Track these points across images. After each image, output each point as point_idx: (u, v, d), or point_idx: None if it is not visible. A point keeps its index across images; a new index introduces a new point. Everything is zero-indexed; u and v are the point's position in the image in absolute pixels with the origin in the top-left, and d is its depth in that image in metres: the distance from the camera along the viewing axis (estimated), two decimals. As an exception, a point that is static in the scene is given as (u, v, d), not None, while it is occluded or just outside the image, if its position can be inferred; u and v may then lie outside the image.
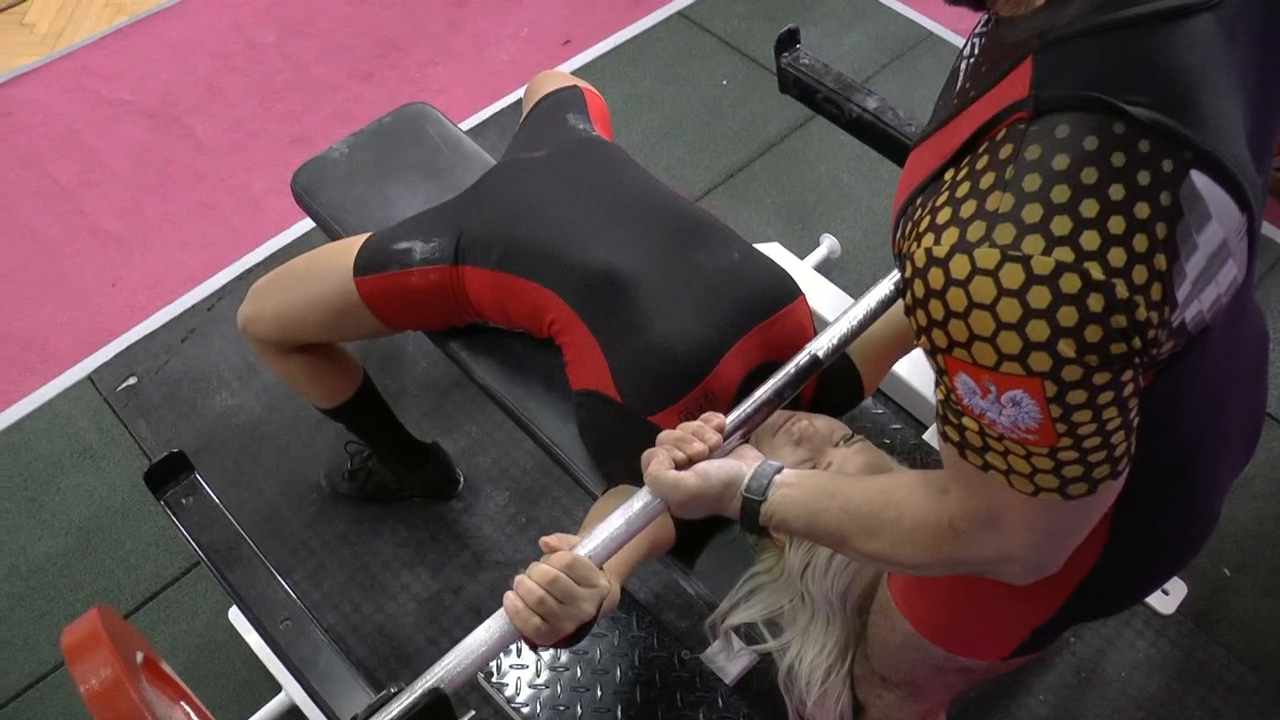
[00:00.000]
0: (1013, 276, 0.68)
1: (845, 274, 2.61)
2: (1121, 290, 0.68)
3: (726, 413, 1.47)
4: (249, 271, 2.68)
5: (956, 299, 0.71)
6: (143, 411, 2.42)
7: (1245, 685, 2.00)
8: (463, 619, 2.10)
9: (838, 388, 1.59)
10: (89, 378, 2.49)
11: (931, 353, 0.77)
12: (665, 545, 1.48)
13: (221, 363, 2.50)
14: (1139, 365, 0.73)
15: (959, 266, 0.70)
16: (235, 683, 2.04)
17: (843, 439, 1.44)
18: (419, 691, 1.07)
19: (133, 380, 2.48)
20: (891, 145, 1.93)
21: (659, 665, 1.83)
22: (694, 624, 2.05)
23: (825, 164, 2.86)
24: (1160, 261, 0.69)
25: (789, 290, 1.54)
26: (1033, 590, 1.06)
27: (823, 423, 1.46)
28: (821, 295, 2.35)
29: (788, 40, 2.03)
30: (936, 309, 0.73)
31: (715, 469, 1.11)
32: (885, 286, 1.32)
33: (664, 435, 1.15)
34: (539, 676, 1.83)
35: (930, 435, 2.11)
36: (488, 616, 2.06)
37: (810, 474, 1.11)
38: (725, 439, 1.16)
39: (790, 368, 1.24)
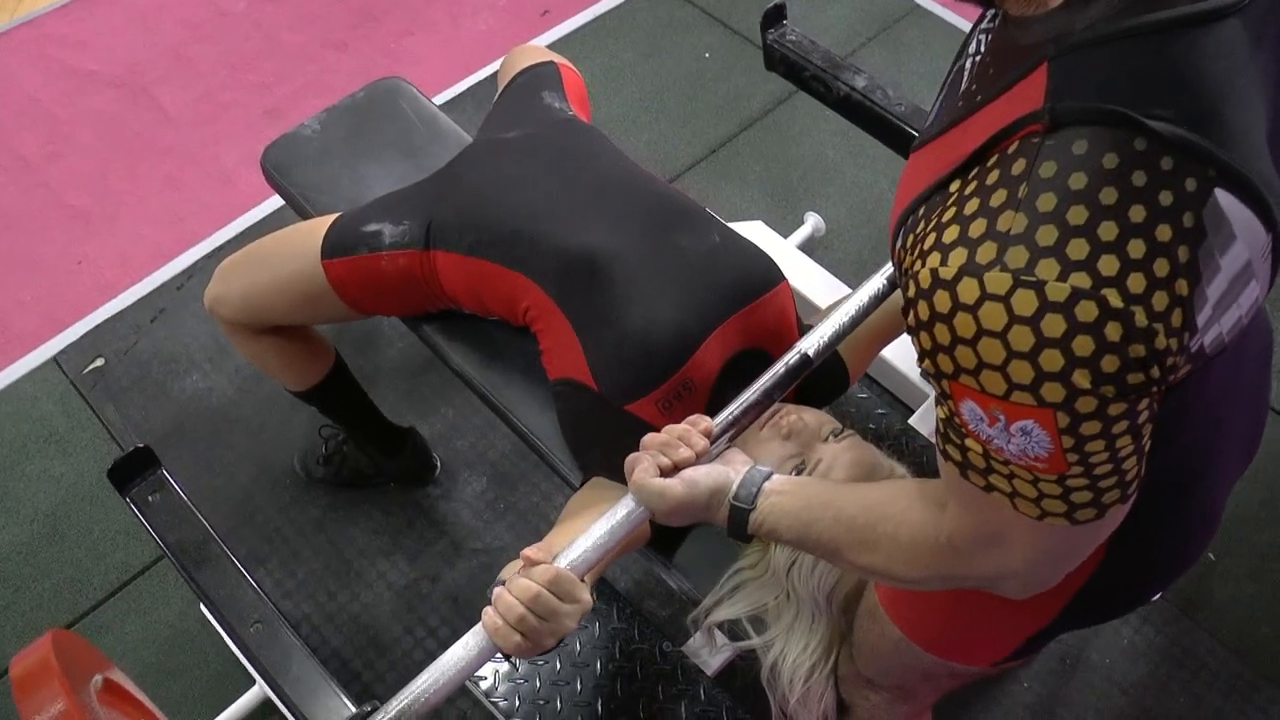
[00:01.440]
0: (1026, 303, 0.64)
1: (830, 253, 2.57)
2: (1141, 318, 0.64)
3: (706, 403, 1.44)
4: (220, 249, 2.61)
5: (964, 325, 0.67)
6: (111, 395, 2.36)
7: (1229, 671, 1.99)
8: (440, 608, 2.07)
9: (823, 377, 1.55)
10: (54, 359, 2.42)
11: (936, 377, 0.73)
12: (640, 542, 1.44)
13: (192, 343, 2.44)
14: (1157, 392, 0.70)
15: (968, 290, 0.66)
16: (208, 675, 2.00)
17: (832, 434, 1.40)
18: (392, 713, 1.02)
19: (100, 362, 2.41)
20: (881, 125, 1.88)
21: (640, 658, 1.80)
22: (675, 613, 2.03)
23: (810, 139, 2.80)
24: (1182, 287, 0.65)
25: (771, 275, 1.49)
26: (1029, 600, 1.03)
27: (811, 416, 1.42)
28: (805, 275, 2.30)
29: (774, 16, 1.97)
30: (943, 334, 0.69)
31: (703, 476, 1.07)
32: (877, 281, 1.28)
33: (648, 439, 1.11)
34: (517, 670, 1.80)
35: (916, 420, 2.08)
36: (465, 606, 2.06)
37: (802, 482, 1.08)
38: (712, 443, 1.12)
39: (780, 367, 1.20)
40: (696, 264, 1.46)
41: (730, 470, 1.09)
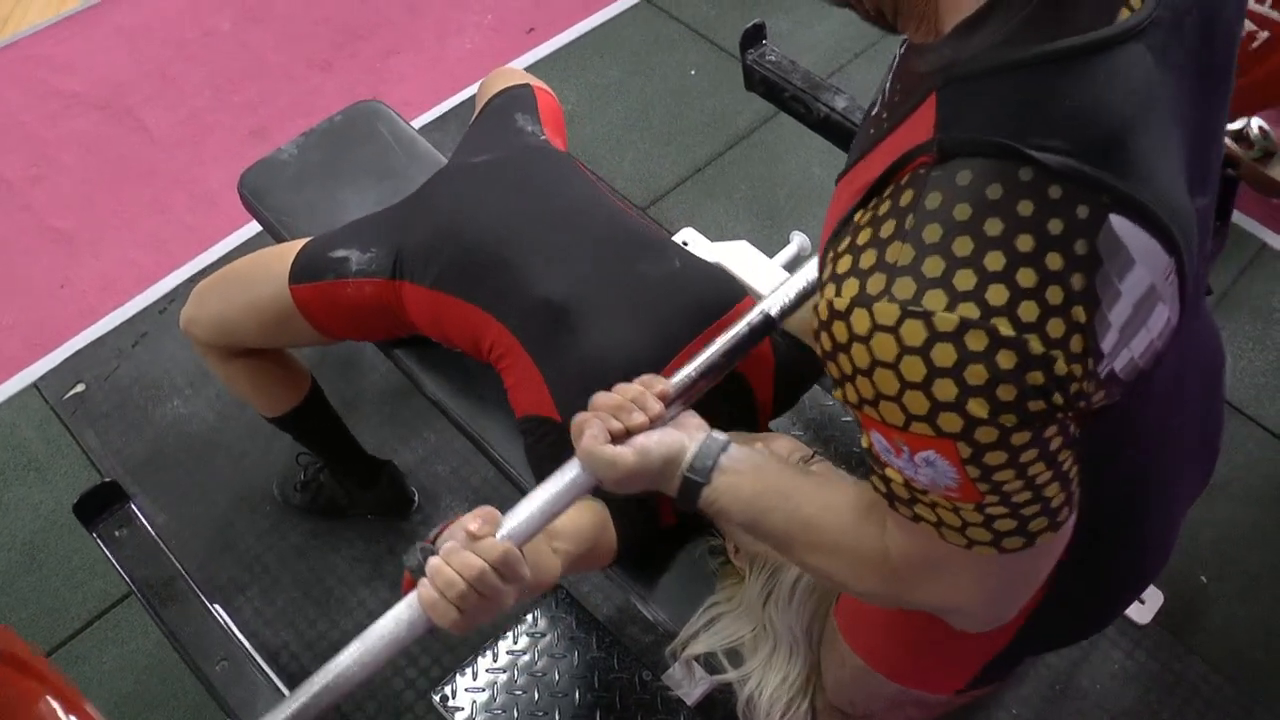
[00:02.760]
0: (914, 333, 0.64)
1: (816, 271, 2.54)
2: (1035, 346, 0.63)
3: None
4: (202, 272, 2.59)
5: (860, 356, 0.67)
6: (91, 420, 2.34)
7: (1221, 696, 1.96)
8: (420, 636, 2.04)
9: (794, 369, 1.53)
10: (35, 385, 2.40)
11: (849, 407, 0.73)
12: (606, 553, 1.37)
13: (174, 368, 2.42)
14: (1066, 419, 0.68)
15: (859, 322, 0.66)
16: (186, 705, 1.98)
17: (802, 460, 1.39)
18: (317, 688, 0.96)
19: (81, 387, 2.39)
20: (860, 146, 1.86)
21: (619, 687, 1.78)
22: (657, 640, 2.00)
23: (796, 158, 2.78)
24: (1079, 313, 0.64)
25: (732, 293, 1.48)
26: None
27: (783, 444, 1.41)
28: (791, 296, 2.28)
29: (753, 36, 1.96)
30: (845, 364, 0.69)
31: (655, 444, 1.00)
32: None
33: (598, 399, 1.02)
34: (495, 700, 1.77)
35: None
36: (445, 634, 2.03)
37: (760, 464, 1.00)
38: (668, 407, 1.04)
39: (743, 327, 1.14)
40: (657, 290, 1.45)
41: (685, 437, 1.02)
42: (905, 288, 0.64)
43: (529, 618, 1.80)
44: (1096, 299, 0.65)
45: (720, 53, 3.04)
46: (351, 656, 0.97)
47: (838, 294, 0.67)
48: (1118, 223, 0.64)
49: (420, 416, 2.30)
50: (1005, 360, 0.63)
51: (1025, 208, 0.63)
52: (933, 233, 0.64)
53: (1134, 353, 0.69)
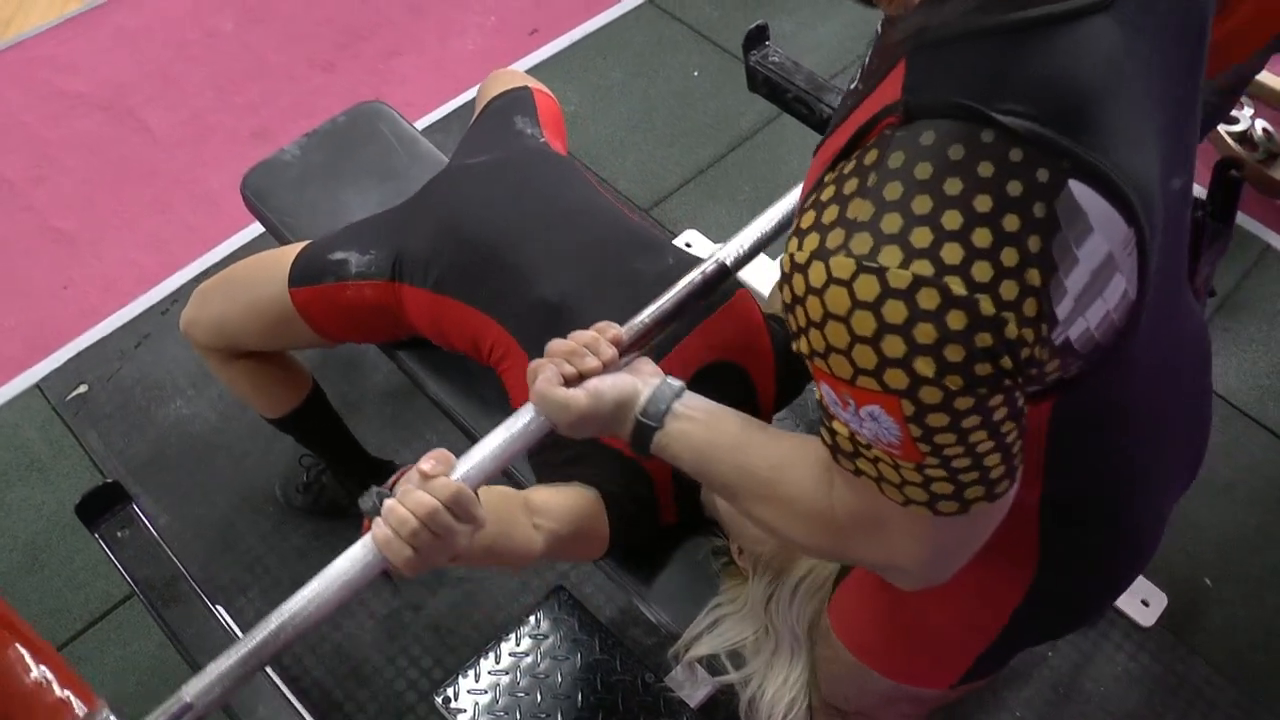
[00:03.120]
0: (867, 288, 0.65)
1: (819, 273, 2.54)
2: (986, 306, 0.64)
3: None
4: (205, 273, 2.59)
5: (814, 308, 0.68)
6: (94, 421, 2.34)
7: (1226, 699, 1.95)
8: (422, 637, 2.04)
9: (792, 370, 1.53)
10: (37, 386, 2.40)
11: (803, 358, 0.74)
12: (597, 543, 1.38)
13: (176, 369, 2.42)
14: (1013, 387, 0.69)
15: (816, 274, 0.67)
16: (187, 706, 1.97)
17: None
18: (273, 626, 0.96)
19: (83, 388, 2.39)
20: (863, 148, 1.86)
21: (622, 689, 1.77)
22: (660, 642, 1.99)
23: (799, 159, 2.78)
24: (1033, 276, 0.65)
25: (726, 287, 1.47)
26: (969, 617, 1.05)
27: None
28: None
29: (756, 37, 1.96)
30: (800, 315, 0.70)
31: (609, 387, 1.01)
32: (795, 195, 1.26)
33: (553, 346, 1.04)
34: (497, 701, 1.77)
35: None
36: (448, 635, 2.04)
37: (715, 412, 1.01)
38: (622, 355, 1.06)
39: (696, 276, 1.17)
40: (651, 286, 1.44)
41: (639, 381, 1.03)
42: (862, 243, 0.65)
43: (531, 619, 1.80)
44: (1053, 264, 0.65)
45: (723, 54, 3.04)
46: (306, 597, 0.97)
47: (799, 248, 0.69)
48: (1077, 189, 0.65)
49: (422, 418, 2.30)
50: (955, 320, 0.64)
51: (985, 169, 0.64)
52: (893, 190, 0.65)
53: (1090, 323, 0.70)
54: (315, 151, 2.01)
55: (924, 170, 0.64)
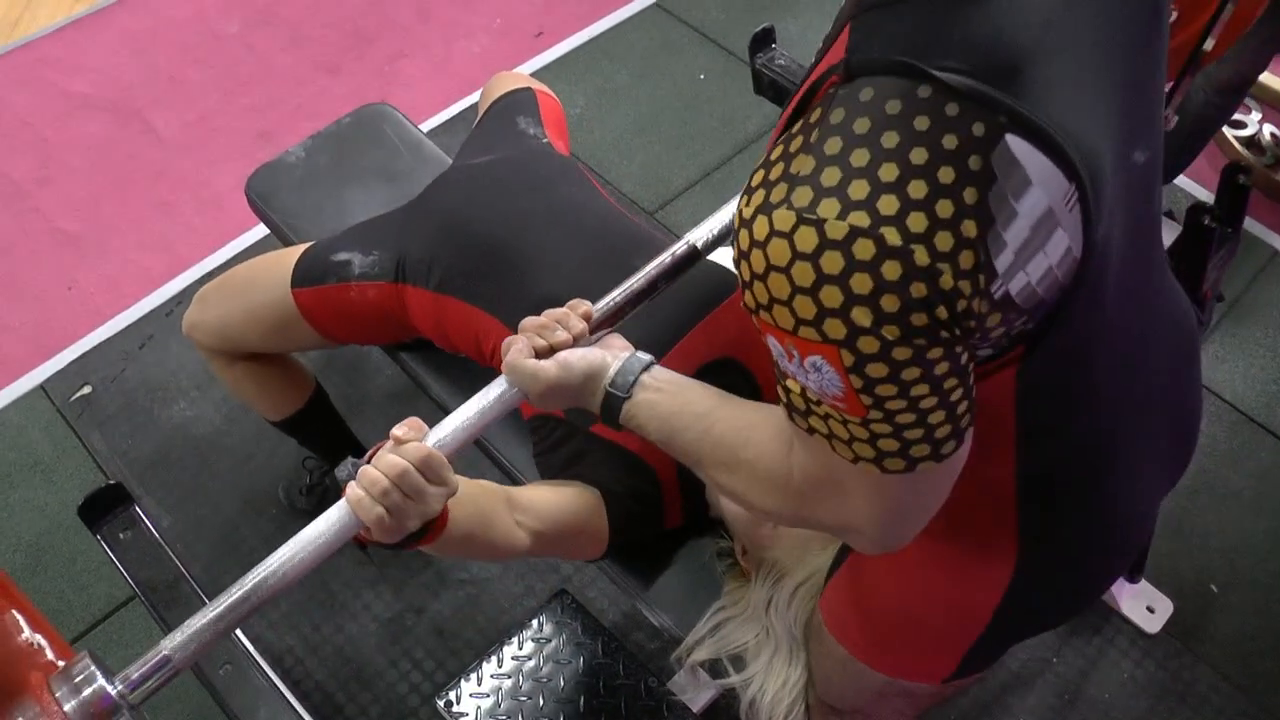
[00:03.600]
0: (806, 239, 0.66)
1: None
2: (921, 257, 0.65)
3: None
4: (209, 274, 2.59)
5: (758, 260, 0.70)
6: (97, 422, 2.34)
7: (1233, 707, 1.94)
8: (425, 639, 2.04)
9: None
10: (42, 387, 2.40)
11: (749, 314, 0.75)
12: (595, 542, 1.39)
13: (180, 371, 2.42)
14: (951, 340, 0.70)
15: (760, 228, 0.69)
16: (190, 709, 1.97)
17: None
18: (249, 584, 1.00)
19: (87, 389, 2.39)
20: (868, 151, 1.86)
21: (625, 694, 1.76)
22: (663, 646, 1.99)
23: (805, 161, 2.77)
24: (969, 228, 0.66)
25: (726, 284, 1.48)
26: (955, 607, 1.05)
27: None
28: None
29: (762, 40, 1.96)
30: (745, 270, 0.71)
31: (578, 359, 1.06)
32: None
33: (526, 322, 1.10)
34: (500, 705, 1.77)
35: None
36: (451, 638, 2.04)
37: (682, 384, 1.05)
38: (593, 331, 1.11)
39: (666, 257, 1.20)
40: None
41: (608, 355, 1.07)
42: (803, 196, 0.67)
43: (534, 623, 1.79)
44: (990, 216, 0.66)
45: (730, 57, 3.04)
46: (281, 557, 1.01)
47: (747, 204, 0.70)
48: (1014, 142, 0.66)
49: (427, 419, 2.29)
50: (890, 270, 0.65)
51: (922, 123, 0.65)
52: (833, 145, 0.67)
53: (1031, 277, 0.71)
54: (320, 153, 2.01)
55: (862, 125, 0.66)
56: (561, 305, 1.40)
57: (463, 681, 1.78)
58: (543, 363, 1.05)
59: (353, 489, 0.99)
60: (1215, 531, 2.13)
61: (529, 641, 1.78)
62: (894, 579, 1.09)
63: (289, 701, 1.37)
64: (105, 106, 2.96)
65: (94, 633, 2.07)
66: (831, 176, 0.66)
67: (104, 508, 1.46)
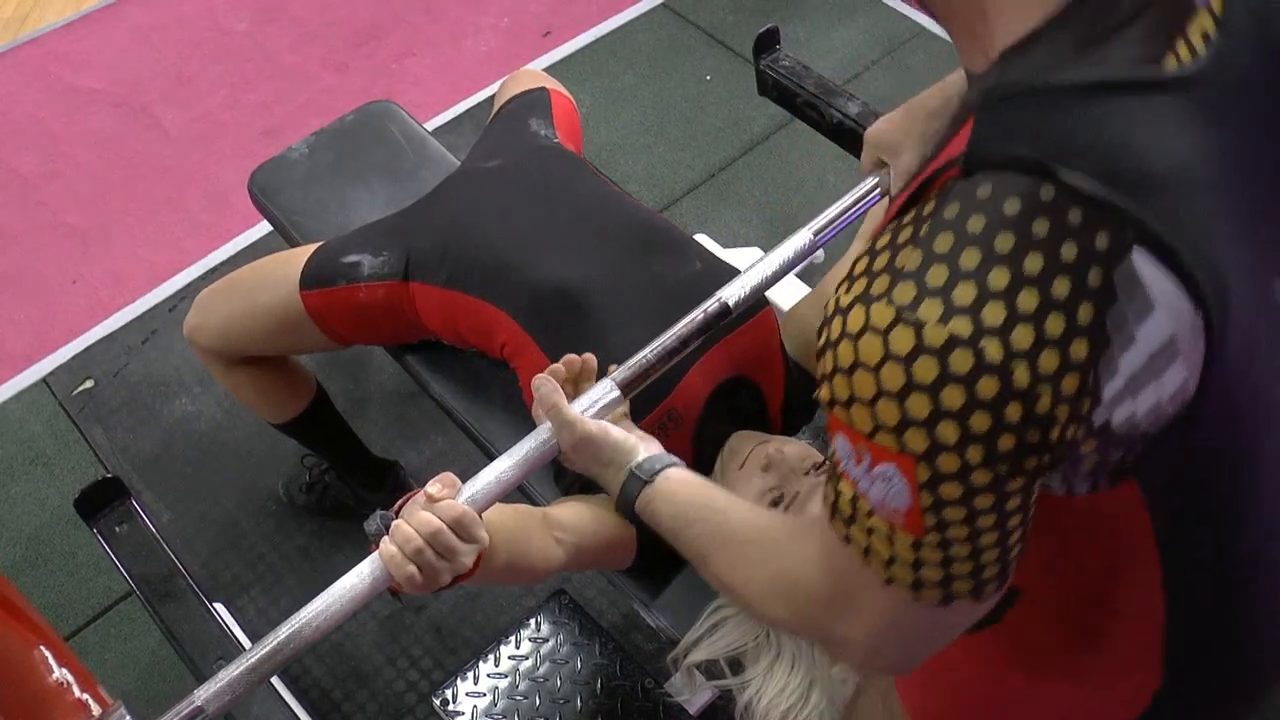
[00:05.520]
0: (902, 341, 0.62)
1: (829, 279, 2.53)
2: (1021, 376, 0.60)
3: (693, 434, 1.40)
4: (214, 270, 2.59)
5: (845, 353, 0.65)
6: (99, 417, 2.34)
7: None
8: (423, 638, 2.03)
9: (802, 393, 1.53)
10: (44, 380, 2.41)
11: (823, 406, 0.71)
12: (624, 551, 1.38)
13: (183, 366, 2.42)
14: (1036, 469, 0.65)
15: (855, 319, 0.64)
16: (186, 703, 1.97)
17: (813, 467, 1.37)
18: (282, 635, 1.00)
19: (89, 384, 2.39)
20: (873, 153, 1.85)
21: (621, 695, 1.76)
22: (660, 648, 1.98)
23: (811, 164, 2.77)
24: (1079, 349, 0.60)
25: (755, 302, 1.47)
26: None
27: (793, 449, 1.39)
28: (802, 303, 2.27)
29: (767, 41, 1.95)
30: (829, 361, 0.67)
31: (617, 431, 1.09)
32: (803, 236, 1.26)
33: (568, 366, 1.16)
34: (496, 705, 1.76)
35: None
36: (449, 637, 2.03)
37: (701, 483, 1.05)
38: (625, 391, 1.13)
39: (698, 314, 1.19)
40: (676, 291, 1.43)
41: (641, 444, 1.10)
42: (905, 293, 0.62)
43: (532, 622, 1.79)
44: (1105, 339, 0.61)
45: (736, 58, 3.03)
46: (315, 609, 1.01)
47: (846, 291, 0.66)
48: (1140, 260, 0.60)
49: (428, 418, 2.30)
50: (986, 388, 0.60)
51: (1040, 227, 0.60)
52: (943, 242, 0.62)
53: (1137, 408, 0.65)
54: (323, 150, 2.01)
55: (976, 223, 0.61)
56: (573, 297, 1.41)
57: (459, 680, 1.78)
58: (586, 418, 1.07)
59: (386, 545, 1.00)
60: None
61: (526, 641, 1.78)
62: (1019, 697, 0.99)
63: (284, 700, 1.37)
64: (113, 102, 2.97)
65: (93, 626, 2.07)
66: (938, 276, 0.61)
67: (100, 501, 1.46)
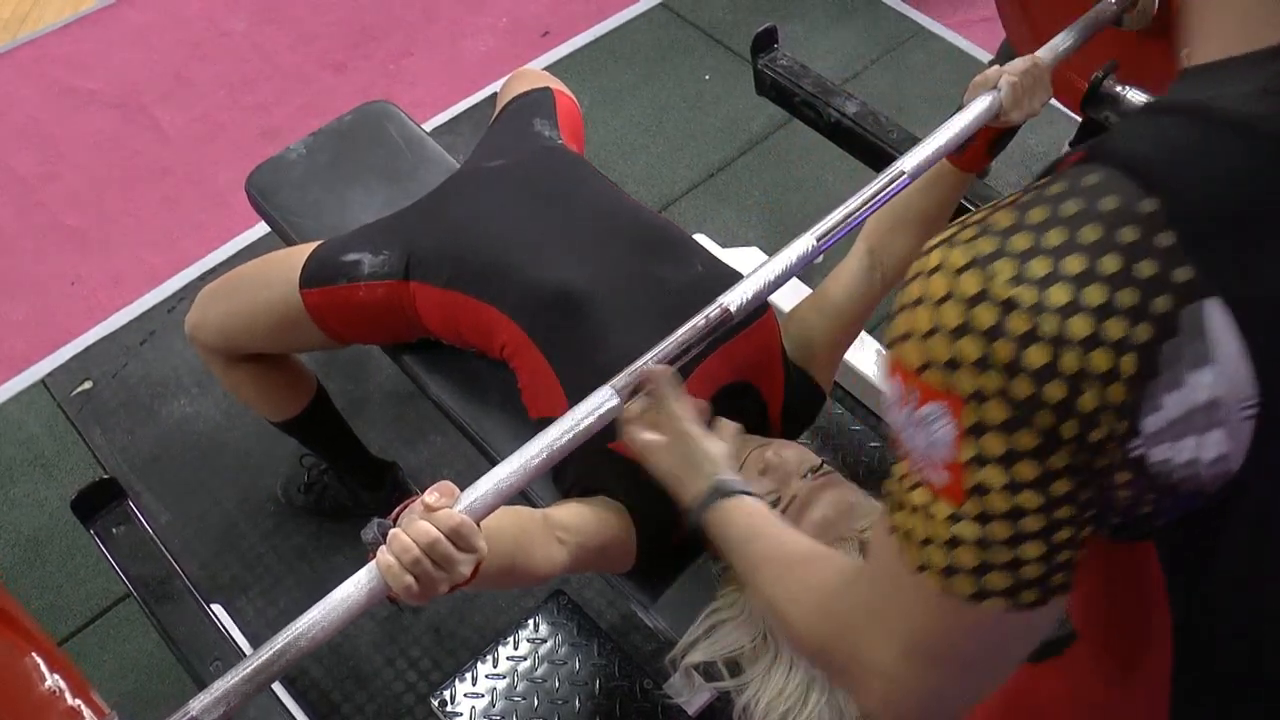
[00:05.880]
0: (969, 284, 0.62)
1: (828, 279, 2.53)
2: (1070, 362, 0.59)
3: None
4: (212, 271, 2.59)
5: (914, 289, 0.65)
6: (98, 418, 2.34)
7: None
8: (421, 639, 2.03)
9: (801, 396, 1.53)
10: (43, 381, 2.41)
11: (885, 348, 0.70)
12: (625, 554, 1.40)
13: (181, 367, 2.42)
14: (1075, 468, 0.63)
15: (933, 258, 0.65)
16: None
17: (810, 470, 1.37)
18: (278, 645, 0.97)
19: (88, 385, 2.39)
20: (872, 153, 1.85)
21: (620, 696, 1.76)
22: (659, 649, 1.98)
23: (810, 164, 2.76)
24: (1128, 363, 0.59)
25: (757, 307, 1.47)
26: None
27: (792, 452, 1.39)
28: (801, 303, 2.27)
29: (765, 40, 1.95)
30: (901, 297, 0.67)
31: (717, 443, 1.16)
32: (806, 241, 1.26)
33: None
34: (494, 706, 1.76)
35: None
36: (448, 638, 2.03)
37: (771, 511, 1.09)
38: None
39: (699, 320, 1.17)
40: (678, 295, 1.43)
41: (728, 467, 1.15)
42: (987, 245, 0.63)
43: (530, 623, 1.79)
44: (1155, 368, 0.59)
45: (735, 58, 3.03)
46: (311, 619, 0.98)
47: (941, 233, 0.67)
48: (1214, 311, 0.58)
49: (427, 419, 2.29)
50: (1034, 356, 0.60)
51: (1128, 234, 0.59)
52: (1037, 214, 0.62)
53: (1175, 456, 0.62)
54: (321, 150, 2.01)
55: (1071, 207, 0.61)
56: (575, 299, 1.40)
57: (457, 681, 1.77)
58: (697, 428, 1.16)
59: (383, 555, 0.98)
60: None
61: (525, 642, 1.78)
62: None
63: (283, 700, 1.37)
64: (111, 102, 2.97)
65: (91, 627, 2.07)
66: (1021, 243, 0.61)
67: (98, 503, 1.46)
